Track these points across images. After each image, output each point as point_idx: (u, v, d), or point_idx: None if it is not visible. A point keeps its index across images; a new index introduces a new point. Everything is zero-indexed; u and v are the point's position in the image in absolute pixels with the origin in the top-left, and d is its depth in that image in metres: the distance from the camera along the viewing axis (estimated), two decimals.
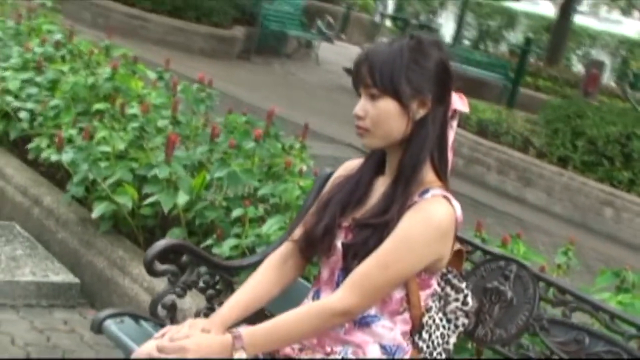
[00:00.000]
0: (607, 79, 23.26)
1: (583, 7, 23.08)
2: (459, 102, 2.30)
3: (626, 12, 25.30)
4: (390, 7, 23.93)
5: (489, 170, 10.18)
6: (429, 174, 2.23)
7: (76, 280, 4.09)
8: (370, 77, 2.17)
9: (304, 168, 4.04)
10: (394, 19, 19.07)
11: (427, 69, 2.18)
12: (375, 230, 2.17)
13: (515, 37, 25.45)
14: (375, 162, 2.32)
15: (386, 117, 2.17)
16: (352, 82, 2.25)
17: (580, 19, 24.60)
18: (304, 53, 17.48)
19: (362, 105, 2.20)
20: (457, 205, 2.21)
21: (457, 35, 20.15)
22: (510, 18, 27.14)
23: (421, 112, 2.19)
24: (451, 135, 2.31)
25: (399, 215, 2.16)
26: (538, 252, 3.42)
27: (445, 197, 2.19)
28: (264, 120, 4.32)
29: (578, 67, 24.57)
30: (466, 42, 24.09)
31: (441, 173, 2.25)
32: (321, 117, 9.21)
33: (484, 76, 16.39)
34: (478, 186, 9.97)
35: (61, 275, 4.09)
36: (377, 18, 21.02)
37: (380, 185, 2.28)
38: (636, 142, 9.39)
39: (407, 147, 2.20)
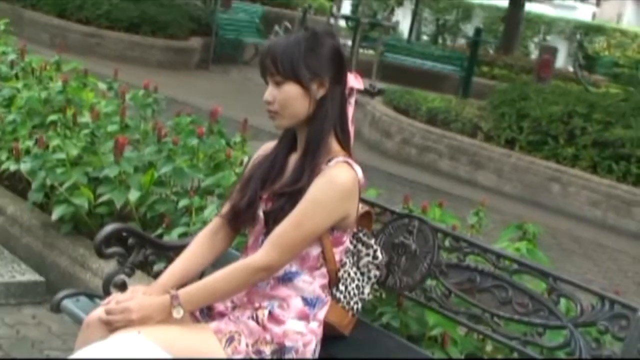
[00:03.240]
0: (564, 64, 23.75)
1: None
2: (354, 81, 2.65)
3: None
4: (348, 7, 24.25)
5: (441, 157, 10.42)
6: (333, 145, 2.56)
7: (42, 279, 4.38)
8: (274, 66, 2.51)
9: (245, 159, 4.37)
10: (346, 19, 19.44)
11: (322, 54, 2.52)
12: (290, 197, 2.49)
13: (472, 29, 25.82)
14: (288, 141, 2.66)
15: (291, 99, 2.51)
16: (260, 73, 2.60)
17: (535, 7, 25.07)
18: None
19: (270, 92, 2.55)
20: (358, 168, 2.54)
21: (412, 31, 20.51)
22: (467, 11, 27.55)
23: (321, 92, 2.52)
24: (350, 110, 2.66)
25: (309, 182, 2.48)
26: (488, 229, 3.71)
27: (346, 162, 2.52)
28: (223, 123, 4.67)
29: (535, 54, 25.01)
30: (425, 38, 24.47)
31: (344, 144, 2.59)
32: None
33: (441, 69, 16.76)
34: (432, 173, 10.24)
35: (27, 276, 4.38)
36: (331, 20, 21.31)
37: (293, 160, 2.60)
38: (577, 119, 9.64)
39: (312, 124, 2.54)
